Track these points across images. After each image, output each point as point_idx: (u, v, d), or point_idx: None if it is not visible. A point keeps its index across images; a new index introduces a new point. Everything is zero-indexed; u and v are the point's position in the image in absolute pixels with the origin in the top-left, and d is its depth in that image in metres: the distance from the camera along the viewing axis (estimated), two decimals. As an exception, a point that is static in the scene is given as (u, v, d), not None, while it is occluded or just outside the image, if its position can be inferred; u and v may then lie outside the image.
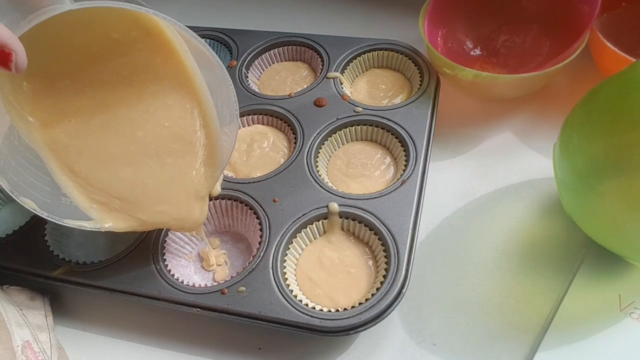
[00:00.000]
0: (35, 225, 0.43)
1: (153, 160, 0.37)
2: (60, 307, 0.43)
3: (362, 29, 0.54)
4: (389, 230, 0.38)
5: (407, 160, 0.43)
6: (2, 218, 0.47)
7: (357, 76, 0.52)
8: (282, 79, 0.53)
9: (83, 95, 0.36)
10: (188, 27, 0.57)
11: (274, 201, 0.42)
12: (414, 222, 0.39)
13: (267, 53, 0.55)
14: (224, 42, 0.56)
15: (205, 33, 0.57)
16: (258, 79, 0.54)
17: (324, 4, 0.64)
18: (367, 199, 0.40)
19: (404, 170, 0.42)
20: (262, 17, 0.62)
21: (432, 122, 0.45)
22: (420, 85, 0.48)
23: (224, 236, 0.44)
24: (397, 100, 0.50)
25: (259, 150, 0.47)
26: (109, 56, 0.36)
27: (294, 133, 0.47)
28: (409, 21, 0.59)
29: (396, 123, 0.45)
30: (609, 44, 0.42)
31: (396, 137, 0.45)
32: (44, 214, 0.34)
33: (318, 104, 0.48)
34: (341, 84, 0.50)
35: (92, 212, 0.36)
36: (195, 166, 0.38)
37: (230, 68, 0.53)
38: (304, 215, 0.40)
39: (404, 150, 0.44)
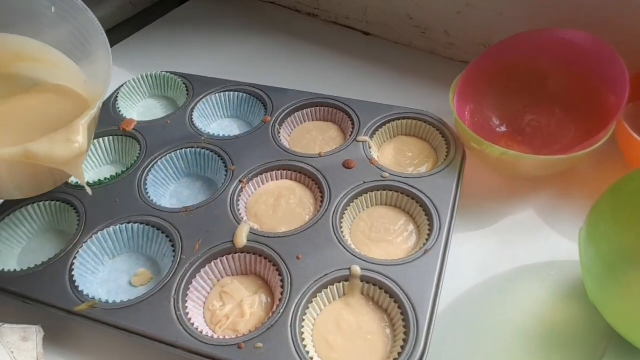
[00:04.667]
0: (64, 258, 0.44)
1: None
2: (60, 345, 0.43)
3: (391, 96, 0.56)
4: (409, 299, 0.39)
5: (430, 230, 0.44)
6: (31, 248, 0.48)
7: (384, 142, 0.54)
8: (313, 137, 0.55)
9: None
10: (225, 80, 0.62)
11: (298, 258, 0.42)
12: (435, 293, 0.39)
13: (300, 112, 0.57)
14: (259, 97, 0.59)
15: (241, 88, 0.59)
16: (289, 136, 0.56)
17: (355, 69, 0.68)
18: (390, 266, 0.41)
19: (427, 239, 0.43)
20: (296, 76, 0.66)
21: (457, 193, 0.46)
22: (447, 156, 0.50)
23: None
24: (423, 169, 0.51)
25: (286, 206, 0.48)
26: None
27: (321, 192, 0.48)
28: (437, 93, 0.61)
29: (421, 192, 0.46)
30: (635, 136, 0.43)
31: (420, 206, 0.46)
32: None
33: (347, 165, 0.50)
34: (369, 148, 0.52)
35: None
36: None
37: (264, 123, 0.55)
38: (326, 275, 0.41)
39: (428, 219, 0.45)
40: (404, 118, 0.54)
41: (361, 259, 0.42)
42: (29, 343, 0.40)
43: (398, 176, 0.48)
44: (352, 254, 0.42)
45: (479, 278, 0.43)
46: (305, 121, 0.58)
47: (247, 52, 0.73)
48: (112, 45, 0.44)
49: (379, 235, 0.45)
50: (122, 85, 0.61)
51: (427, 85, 0.63)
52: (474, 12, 0.60)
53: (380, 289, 0.40)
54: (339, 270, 0.41)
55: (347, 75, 0.67)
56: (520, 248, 0.45)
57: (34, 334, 0.41)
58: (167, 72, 0.62)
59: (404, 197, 0.47)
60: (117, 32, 0.78)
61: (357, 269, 0.41)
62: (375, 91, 0.63)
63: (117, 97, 0.60)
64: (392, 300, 0.39)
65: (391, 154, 0.53)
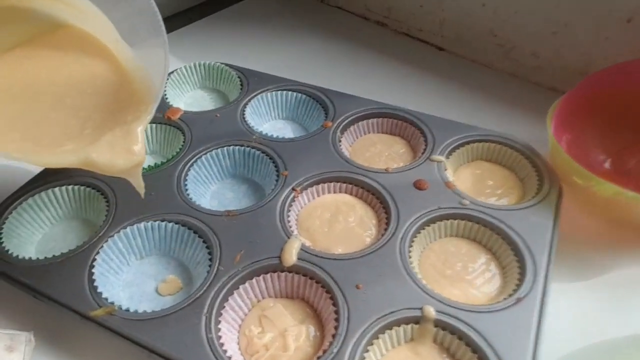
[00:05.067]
0: (86, 252, 0.38)
1: (80, 119, 0.37)
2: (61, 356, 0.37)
3: (465, 116, 0.50)
4: (498, 357, 0.31)
5: (521, 274, 0.36)
6: (53, 235, 0.43)
7: (460, 165, 0.47)
8: (378, 151, 0.49)
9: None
10: (284, 79, 0.54)
11: (357, 287, 0.35)
12: (533, 353, 0.31)
13: (364, 121, 0.51)
14: (320, 100, 0.53)
15: (301, 88, 0.54)
16: (350, 146, 0.50)
17: (425, 83, 0.61)
18: (473, 312, 0.33)
19: (517, 285, 0.35)
20: (359, 84, 0.60)
21: (553, 234, 0.39)
22: (538, 189, 0.42)
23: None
24: (504, 201, 0.44)
25: (344, 223, 0.41)
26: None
27: (386, 212, 0.41)
28: (520, 119, 0.55)
29: (510, 227, 0.39)
30: None
31: (508, 244, 0.38)
32: None
33: (418, 186, 0.43)
34: (445, 169, 0.45)
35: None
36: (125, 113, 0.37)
37: (324, 128, 0.49)
38: (392, 313, 0.34)
39: (518, 261, 0.37)
40: (486, 141, 0.47)
41: (436, 299, 0.34)
42: (14, 354, 0.33)
43: (481, 205, 0.41)
44: (424, 292, 0.35)
45: (579, 341, 0.35)
46: (369, 132, 0.51)
47: (307, 54, 0.68)
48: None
49: (455, 273, 0.38)
50: (173, 72, 0.56)
51: (507, 110, 0.56)
52: (573, 33, 0.53)
53: (460, 338, 0.32)
54: (409, 309, 0.34)
55: (416, 89, 0.60)
56: (635, 312, 0.36)
57: (23, 343, 0.34)
58: (222, 63, 0.57)
59: (487, 231, 0.40)
60: (170, 22, 0.74)
61: (431, 311, 0.33)
62: (447, 109, 0.56)
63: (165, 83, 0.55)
64: (474, 355, 0.32)
65: (469, 180, 0.46)
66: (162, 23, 0.36)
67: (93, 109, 0.37)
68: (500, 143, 0.46)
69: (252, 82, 0.55)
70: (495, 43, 0.60)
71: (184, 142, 0.48)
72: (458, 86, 0.60)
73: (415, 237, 0.39)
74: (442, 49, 0.66)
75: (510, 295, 0.35)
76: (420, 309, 0.34)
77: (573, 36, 0.54)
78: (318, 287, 0.36)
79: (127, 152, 0.35)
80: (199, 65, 0.57)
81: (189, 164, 0.46)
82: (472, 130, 0.48)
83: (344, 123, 0.49)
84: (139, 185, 0.37)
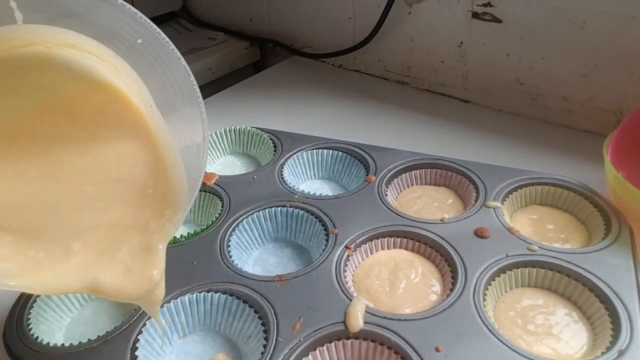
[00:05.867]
0: (125, 333, 0.35)
1: (96, 211, 0.30)
2: None
3: (503, 162, 0.48)
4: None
5: (613, 323, 0.33)
6: (82, 319, 0.39)
7: (515, 210, 0.45)
8: (426, 203, 0.46)
9: (19, 144, 0.29)
10: (318, 138, 0.50)
11: (437, 350, 0.32)
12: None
13: (407, 173, 0.49)
14: (358, 156, 0.51)
15: (337, 145, 0.52)
16: (396, 200, 0.48)
17: (455, 133, 0.61)
18: (576, 369, 0.30)
19: (612, 337, 0.32)
20: (389, 138, 0.59)
21: (637, 274, 0.36)
22: (607, 229, 0.40)
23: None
24: (569, 245, 0.41)
25: (406, 281, 0.38)
26: (56, 106, 0.30)
27: (450, 265, 0.38)
28: (559, 162, 0.53)
29: (589, 272, 0.36)
30: None
31: (590, 290, 0.35)
32: None
33: (480, 234, 0.40)
34: (503, 215, 0.42)
35: (3, 266, 0.27)
36: (147, 218, 0.31)
37: (367, 183, 0.47)
38: (484, 377, 0.30)
39: (606, 309, 0.34)
40: (540, 184, 0.45)
41: (527, 357, 0.31)
42: None
43: (552, 250, 0.38)
44: (514, 351, 0.31)
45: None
46: (412, 184, 0.49)
47: (333, 114, 0.68)
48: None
49: (537, 327, 0.34)
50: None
51: (543, 154, 0.55)
52: (602, 74, 0.53)
53: (568, 403, 0.28)
54: (501, 371, 0.30)
55: (447, 139, 0.59)
56: None
57: None
58: (253, 127, 0.56)
59: (563, 278, 0.37)
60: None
61: (528, 372, 0.29)
62: (483, 157, 0.55)
63: (196, 151, 0.54)
64: (589, 421, 0.28)
65: (527, 225, 0.43)
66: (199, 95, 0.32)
67: (114, 200, 0.31)
68: (555, 185, 0.44)
69: (285, 142, 0.54)
70: (523, 91, 0.60)
71: (222, 207, 0.46)
72: (488, 134, 0.59)
73: (487, 289, 0.36)
74: (467, 101, 0.66)
75: (608, 349, 0.31)
76: (514, 370, 0.30)
77: (604, 77, 0.54)
78: (391, 354, 0.33)
79: (146, 280, 0.29)
80: (229, 131, 0.57)
81: (230, 229, 0.43)
82: (523, 174, 0.46)
83: (387, 176, 0.48)
84: (155, 314, 0.31)
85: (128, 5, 0.28)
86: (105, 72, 0.29)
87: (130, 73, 0.31)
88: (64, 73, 0.28)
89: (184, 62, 0.31)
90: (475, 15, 0.60)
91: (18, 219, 0.29)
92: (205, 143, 0.33)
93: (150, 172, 0.32)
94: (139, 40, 0.30)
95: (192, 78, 0.32)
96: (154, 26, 0.30)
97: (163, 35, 0.30)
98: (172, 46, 0.30)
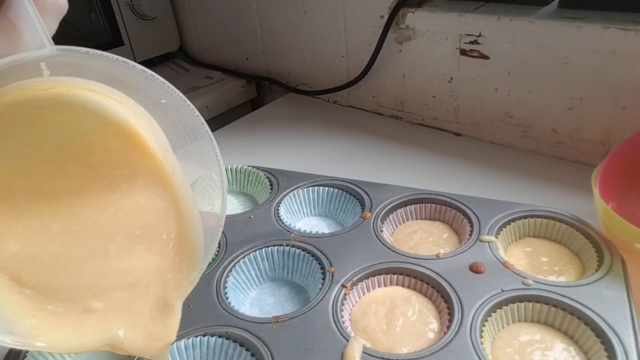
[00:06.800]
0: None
1: (120, 272, 0.30)
2: None
3: (497, 194, 0.49)
4: None
5: (609, 357, 0.33)
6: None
7: (509, 243, 0.45)
8: (421, 238, 0.47)
9: (42, 196, 0.29)
10: (314, 175, 0.50)
11: (435, 390, 0.32)
12: None
13: (402, 209, 0.49)
14: (354, 192, 0.52)
15: (333, 182, 0.53)
16: (392, 235, 0.48)
17: (448, 166, 0.62)
18: (575, 407, 0.29)
19: (610, 371, 0.32)
20: (384, 173, 0.60)
21: (632, 308, 0.36)
22: (599, 261, 0.40)
23: None
24: (564, 277, 0.41)
25: (403, 319, 0.38)
26: (76, 154, 0.30)
27: (446, 301, 0.39)
28: (550, 193, 0.54)
29: (584, 305, 0.36)
30: None
31: (586, 323, 0.35)
32: None
33: (475, 269, 0.40)
34: (497, 249, 0.43)
35: (27, 323, 0.27)
36: (166, 275, 0.31)
37: (363, 220, 0.48)
38: (483, 418, 0.30)
39: (602, 343, 0.34)
40: (532, 216, 0.45)
41: (526, 396, 0.31)
42: None
43: (547, 284, 0.38)
44: (512, 388, 0.31)
45: None
46: (407, 219, 0.50)
47: (328, 150, 0.69)
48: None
49: (536, 363, 0.34)
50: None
51: (535, 186, 0.56)
52: (588, 107, 0.55)
53: None
54: (500, 411, 0.30)
55: (441, 173, 0.60)
56: None
57: None
58: (249, 165, 0.57)
59: (558, 312, 0.37)
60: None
61: (527, 411, 0.29)
62: (476, 190, 0.56)
63: (193, 191, 0.55)
64: None
65: (522, 258, 0.43)
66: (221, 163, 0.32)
67: (137, 259, 0.31)
68: (548, 217, 0.45)
69: (281, 180, 0.55)
70: (513, 124, 0.62)
71: (219, 247, 0.47)
72: (481, 167, 0.60)
73: (484, 325, 0.36)
74: (460, 134, 0.68)
75: (608, 384, 0.31)
76: (513, 409, 0.30)
77: (589, 109, 0.55)
78: (391, 395, 0.32)
79: (164, 341, 0.30)
80: (227, 170, 0.57)
81: (227, 269, 0.44)
82: (516, 207, 0.46)
83: (382, 212, 0.48)
84: None
85: (157, 75, 0.28)
86: (122, 112, 0.29)
87: (148, 118, 0.31)
88: (80, 111, 0.28)
89: (206, 126, 0.31)
90: (464, 52, 0.62)
91: (39, 275, 0.29)
92: (223, 213, 0.33)
93: (168, 221, 0.32)
94: (163, 101, 0.30)
95: (216, 146, 0.32)
96: (179, 92, 0.29)
97: (188, 102, 0.30)
98: (194, 108, 0.30)
